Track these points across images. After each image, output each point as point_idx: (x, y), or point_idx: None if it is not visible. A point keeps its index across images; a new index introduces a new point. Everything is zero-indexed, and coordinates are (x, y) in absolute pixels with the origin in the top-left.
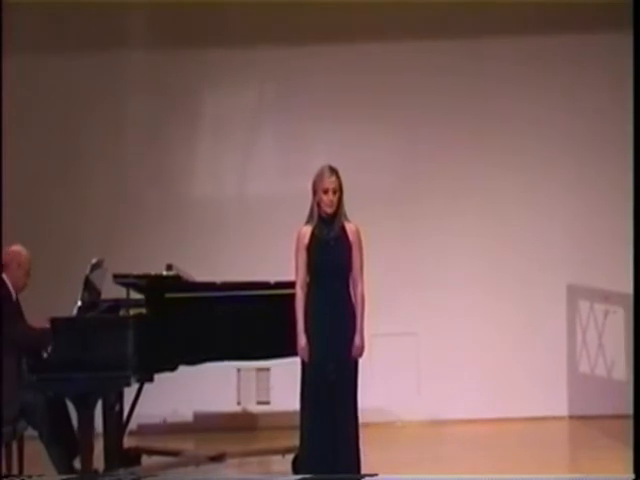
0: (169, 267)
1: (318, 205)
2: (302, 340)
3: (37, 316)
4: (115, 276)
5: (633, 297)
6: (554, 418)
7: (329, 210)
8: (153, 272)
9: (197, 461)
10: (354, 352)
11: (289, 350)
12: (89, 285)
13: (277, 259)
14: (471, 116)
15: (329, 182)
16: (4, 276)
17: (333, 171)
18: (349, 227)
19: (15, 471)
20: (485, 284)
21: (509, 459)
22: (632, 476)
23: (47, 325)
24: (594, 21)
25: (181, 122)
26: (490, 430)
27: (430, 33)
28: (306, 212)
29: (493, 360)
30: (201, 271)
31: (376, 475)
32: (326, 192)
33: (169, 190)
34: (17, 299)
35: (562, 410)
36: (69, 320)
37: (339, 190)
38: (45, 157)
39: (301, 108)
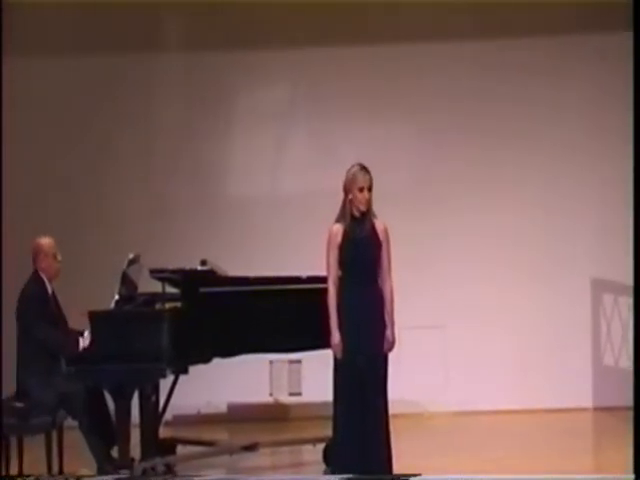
0: (203, 262)
1: (351, 203)
2: (336, 337)
3: (74, 309)
4: (151, 271)
5: (633, 292)
6: (579, 409)
7: (363, 208)
8: (188, 267)
9: (230, 451)
10: (386, 347)
11: (320, 342)
12: (126, 279)
13: (308, 254)
14: (493, 117)
15: (364, 180)
16: (39, 271)
17: (366, 170)
18: (378, 225)
19: (55, 458)
20: (511, 277)
21: (534, 450)
22: (632, 476)
23: (81, 321)
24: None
25: (214, 120)
26: (515, 421)
27: (455, 37)
28: (335, 207)
29: (519, 352)
30: (234, 266)
31: (419, 475)
32: (362, 190)
33: (203, 187)
34: (53, 292)
35: (587, 401)
36: (107, 313)
37: (372, 188)
38: (82, 155)
39: (331, 107)
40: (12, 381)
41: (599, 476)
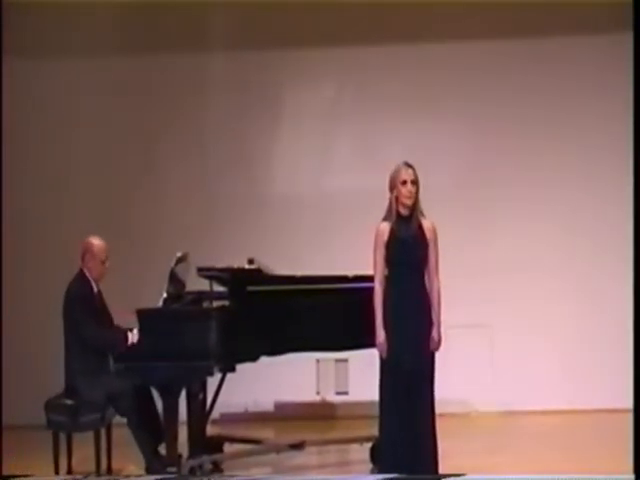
0: (250, 261)
1: (396, 200)
2: (381, 335)
3: (122, 308)
4: (199, 269)
5: (633, 294)
6: (627, 410)
7: (408, 202)
8: (235, 266)
9: (277, 449)
10: (432, 346)
11: (367, 341)
12: (174, 278)
13: (354, 253)
14: (542, 111)
15: (407, 174)
16: (84, 269)
17: (409, 165)
18: (426, 224)
19: (103, 455)
20: (558, 277)
21: (582, 450)
22: (632, 476)
23: (129, 319)
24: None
25: (261, 119)
26: (564, 421)
27: (500, 33)
28: (382, 206)
29: (566, 352)
30: (280, 265)
31: (463, 475)
32: (404, 183)
33: (250, 186)
34: (99, 291)
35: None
36: (155, 311)
37: (417, 183)
38: (130, 155)
39: (379, 107)
40: (60, 378)
41: (599, 476)
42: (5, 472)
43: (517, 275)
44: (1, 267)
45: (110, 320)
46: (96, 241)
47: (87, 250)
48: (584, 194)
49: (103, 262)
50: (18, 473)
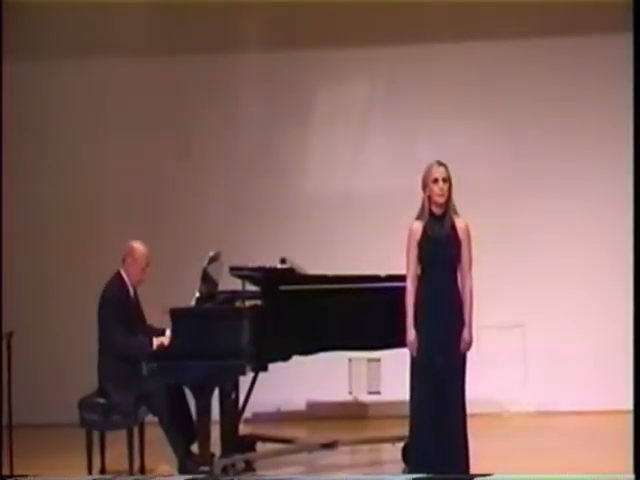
0: (283, 260)
1: (429, 199)
2: (411, 334)
3: (156, 306)
4: (232, 268)
5: (633, 295)
6: None
7: (440, 200)
8: (268, 265)
9: (310, 448)
10: (462, 346)
11: (399, 341)
12: (207, 277)
13: (387, 252)
14: (573, 117)
15: (438, 172)
16: (122, 272)
17: (441, 164)
18: (459, 224)
19: (136, 454)
20: (592, 277)
21: (615, 451)
22: (632, 476)
23: (162, 318)
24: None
25: (293, 119)
26: (597, 422)
27: (534, 33)
28: (415, 207)
29: (599, 352)
30: (313, 264)
31: (491, 475)
32: (436, 181)
33: (282, 186)
34: (135, 294)
35: None
36: (188, 310)
37: (449, 181)
38: (165, 156)
39: (410, 106)
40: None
41: (599, 476)
42: (34, 472)
43: (550, 275)
44: (1, 267)
45: (143, 322)
46: (139, 246)
47: (129, 254)
48: (624, 190)
49: (143, 269)
50: (43, 473)
